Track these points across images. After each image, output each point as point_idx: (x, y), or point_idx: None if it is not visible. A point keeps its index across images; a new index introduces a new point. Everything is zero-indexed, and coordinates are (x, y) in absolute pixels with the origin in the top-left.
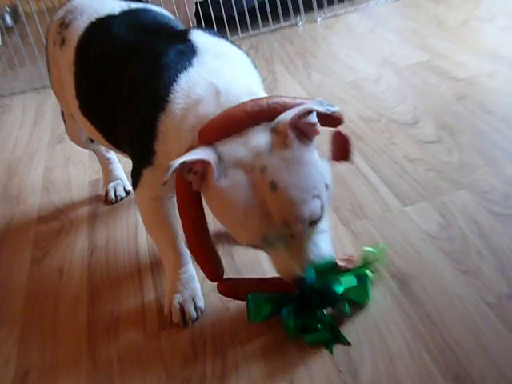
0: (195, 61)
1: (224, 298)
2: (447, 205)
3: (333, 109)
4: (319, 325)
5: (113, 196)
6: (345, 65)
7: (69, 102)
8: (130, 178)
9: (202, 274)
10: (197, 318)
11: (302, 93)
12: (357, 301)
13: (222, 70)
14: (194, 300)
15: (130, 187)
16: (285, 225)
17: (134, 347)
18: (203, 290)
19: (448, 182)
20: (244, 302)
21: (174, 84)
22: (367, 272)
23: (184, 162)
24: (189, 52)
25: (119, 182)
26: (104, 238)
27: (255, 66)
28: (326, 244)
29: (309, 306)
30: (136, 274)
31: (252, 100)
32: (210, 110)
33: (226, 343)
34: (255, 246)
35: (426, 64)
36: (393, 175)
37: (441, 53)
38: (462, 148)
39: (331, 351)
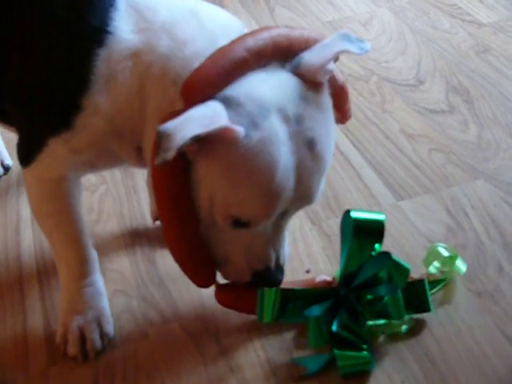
0: None
1: (142, 320)
2: (458, 200)
3: (367, 47)
4: (353, 337)
5: None
6: None
7: None
8: (18, 152)
9: (111, 286)
10: (103, 349)
11: None
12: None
13: None
14: (99, 323)
15: (9, 161)
16: (301, 198)
17: None
18: (112, 308)
19: (461, 168)
20: None
21: (112, 9)
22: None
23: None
24: None
25: None
26: None
27: None
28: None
29: (350, 306)
30: (16, 284)
31: (249, 33)
32: (197, 46)
33: None
34: (251, 223)
35: (438, 0)
36: (384, 156)
37: None
38: (481, 121)
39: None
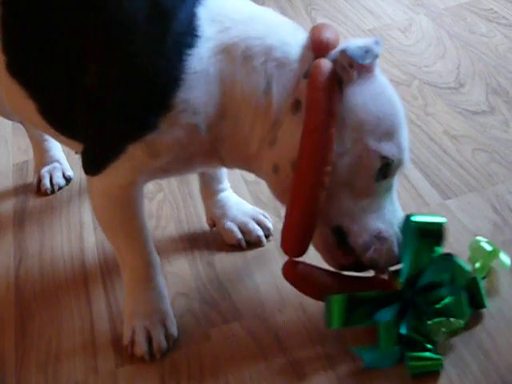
0: None
1: (203, 322)
2: (503, 197)
3: None
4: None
5: (48, 185)
6: (362, 7)
7: None
8: (85, 161)
9: (172, 289)
10: (168, 350)
11: None
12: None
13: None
14: (164, 325)
15: (70, 172)
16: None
17: None
18: (174, 310)
19: (504, 166)
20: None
21: (195, 18)
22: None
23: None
24: None
25: (56, 165)
26: (36, 243)
27: None
28: None
29: (416, 308)
30: (82, 289)
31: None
32: (287, 27)
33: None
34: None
35: (473, 5)
36: (429, 157)
37: None
38: None
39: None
